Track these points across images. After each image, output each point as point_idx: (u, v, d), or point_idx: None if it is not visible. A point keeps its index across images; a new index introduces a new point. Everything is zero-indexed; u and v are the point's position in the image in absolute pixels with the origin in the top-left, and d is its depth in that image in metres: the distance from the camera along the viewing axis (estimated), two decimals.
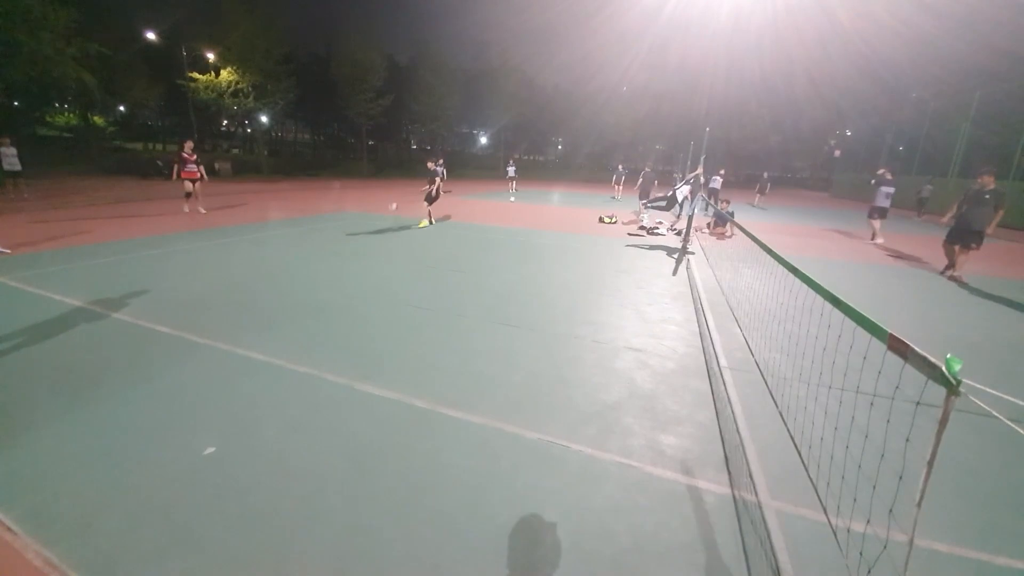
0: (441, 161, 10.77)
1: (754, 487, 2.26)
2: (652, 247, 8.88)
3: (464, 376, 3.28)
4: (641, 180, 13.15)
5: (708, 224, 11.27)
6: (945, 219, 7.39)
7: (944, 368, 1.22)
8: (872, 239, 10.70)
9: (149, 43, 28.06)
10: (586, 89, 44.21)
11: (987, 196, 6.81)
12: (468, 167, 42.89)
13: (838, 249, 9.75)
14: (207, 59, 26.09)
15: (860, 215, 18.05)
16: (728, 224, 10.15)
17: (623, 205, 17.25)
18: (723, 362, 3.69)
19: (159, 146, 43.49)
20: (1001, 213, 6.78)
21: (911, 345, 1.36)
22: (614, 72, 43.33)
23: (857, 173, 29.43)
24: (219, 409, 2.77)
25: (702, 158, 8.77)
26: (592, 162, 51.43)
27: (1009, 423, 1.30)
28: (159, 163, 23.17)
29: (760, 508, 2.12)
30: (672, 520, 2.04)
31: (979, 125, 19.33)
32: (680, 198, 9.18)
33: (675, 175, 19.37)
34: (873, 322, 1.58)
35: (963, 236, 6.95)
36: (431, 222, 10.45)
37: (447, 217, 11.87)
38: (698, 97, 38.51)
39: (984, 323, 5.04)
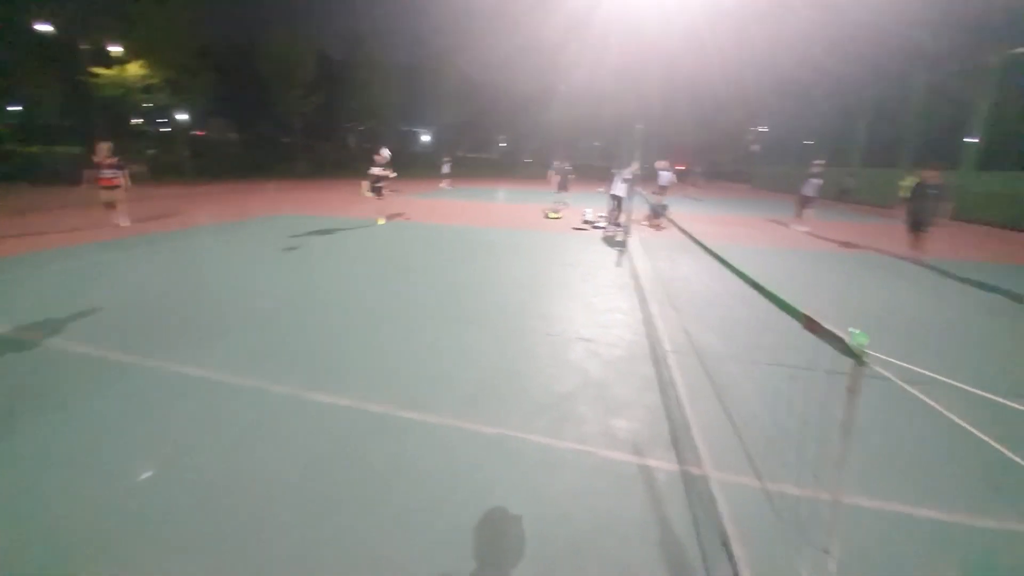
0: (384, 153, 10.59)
1: (700, 461, 2.41)
2: (596, 241, 9.17)
3: (419, 376, 3.23)
4: (557, 175, 14.29)
5: (646, 217, 11.79)
6: (901, 214, 8.14)
7: (851, 342, 1.37)
8: (797, 225, 11.68)
9: (44, 35, 24.84)
10: (527, 88, 44.65)
11: (932, 191, 7.69)
12: (412, 166, 41.88)
13: (764, 237, 10.57)
14: (112, 52, 23.47)
15: (781, 204, 19.65)
16: (663, 216, 10.68)
17: (555, 199, 17.48)
18: (667, 347, 3.89)
19: (60, 148, 38.66)
20: (946, 204, 7.60)
21: (823, 324, 1.51)
22: (553, 71, 44.09)
23: (773, 166, 32.06)
24: (153, 431, 2.54)
25: (637, 154, 9.16)
26: (538, 159, 52.10)
27: (907, 387, 1.48)
28: (61, 168, 20.64)
29: (706, 481, 2.27)
30: (627, 500, 2.13)
31: (877, 120, 21.79)
32: (621, 194, 9.57)
33: (612, 171, 20.15)
34: (790, 305, 1.73)
35: (916, 224, 7.84)
36: (384, 219, 10.73)
37: (393, 216, 11.56)
38: (632, 96, 40.12)
39: (897, 298, 5.68)
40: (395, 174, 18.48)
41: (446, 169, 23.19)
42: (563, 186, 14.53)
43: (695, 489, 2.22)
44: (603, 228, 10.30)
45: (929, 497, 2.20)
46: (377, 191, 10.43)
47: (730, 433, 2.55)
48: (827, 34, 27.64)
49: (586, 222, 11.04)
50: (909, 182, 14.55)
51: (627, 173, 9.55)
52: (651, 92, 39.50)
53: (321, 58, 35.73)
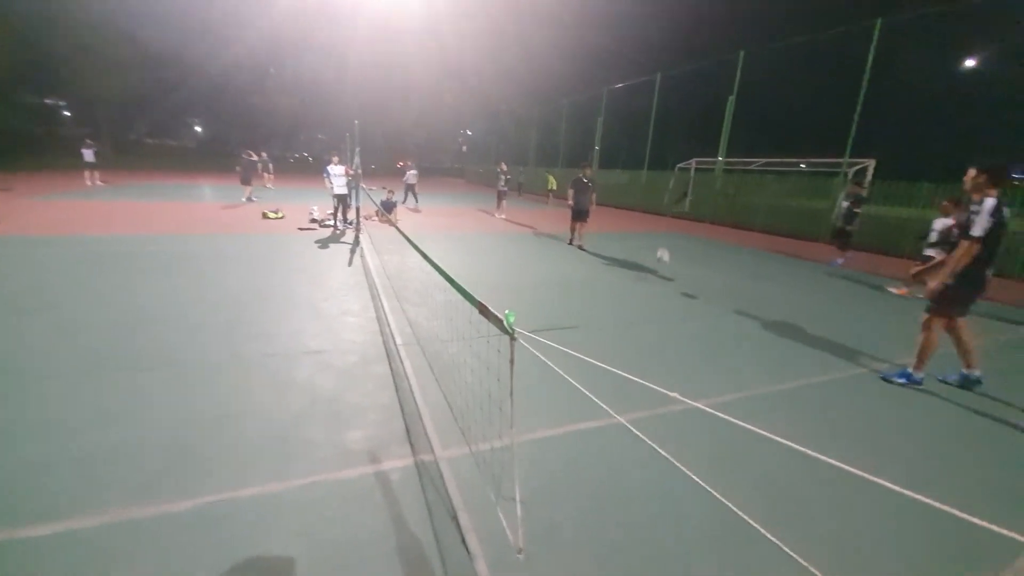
0: None
1: (431, 446, 2.45)
2: (325, 240, 8.33)
3: (55, 471, 2.11)
4: (240, 168, 12.85)
5: (376, 213, 11.51)
6: (570, 202, 8.87)
7: (505, 322, 1.55)
8: (498, 213, 13.71)
9: None
10: (221, 64, 35.98)
11: (588, 183, 8.56)
12: (44, 154, 27.77)
13: (476, 224, 11.94)
14: None
15: (486, 196, 22.72)
16: (393, 211, 10.67)
17: (276, 196, 15.20)
18: (399, 340, 3.84)
19: None
20: (596, 193, 8.69)
21: (490, 308, 1.66)
22: (261, 53, 37.09)
23: (479, 165, 37.01)
24: None
25: (356, 150, 8.70)
26: (252, 149, 43.43)
27: (536, 353, 1.81)
28: None
29: (436, 463, 2.32)
30: (363, 516, 1.95)
31: (542, 130, 27.92)
32: (341, 191, 9.00)
33: (327, 168, 19.08)
34: (470, 294, 1.86)
35: (579, 215, 8.66)
36: None
37: None
38: (351, 89, 38.12)
39: (554, 266, 7.28)
40: None
41: (89, 157, 15.64)
42: (246, 180, 12.71)
43: (428, 474, 2.24)
44: (332, 226, 9.47)
45: (562, 420, 2.89)
46: None
47: (450, 412, 2.69)
48: (503, 67, 33.64)
49: (313, 221, 9.90)
50: (552, 180, 19.33)
51: (336, 170, 9.03)
52: (372, 87, 38.58)
53: None
